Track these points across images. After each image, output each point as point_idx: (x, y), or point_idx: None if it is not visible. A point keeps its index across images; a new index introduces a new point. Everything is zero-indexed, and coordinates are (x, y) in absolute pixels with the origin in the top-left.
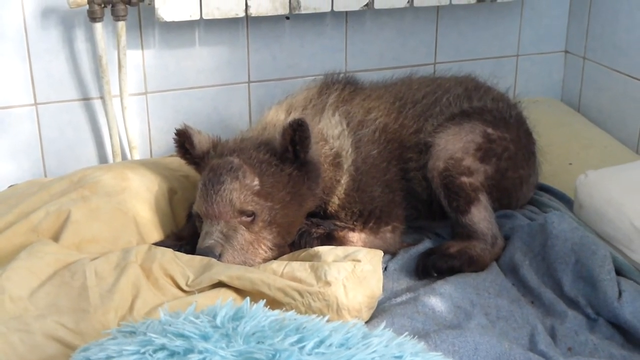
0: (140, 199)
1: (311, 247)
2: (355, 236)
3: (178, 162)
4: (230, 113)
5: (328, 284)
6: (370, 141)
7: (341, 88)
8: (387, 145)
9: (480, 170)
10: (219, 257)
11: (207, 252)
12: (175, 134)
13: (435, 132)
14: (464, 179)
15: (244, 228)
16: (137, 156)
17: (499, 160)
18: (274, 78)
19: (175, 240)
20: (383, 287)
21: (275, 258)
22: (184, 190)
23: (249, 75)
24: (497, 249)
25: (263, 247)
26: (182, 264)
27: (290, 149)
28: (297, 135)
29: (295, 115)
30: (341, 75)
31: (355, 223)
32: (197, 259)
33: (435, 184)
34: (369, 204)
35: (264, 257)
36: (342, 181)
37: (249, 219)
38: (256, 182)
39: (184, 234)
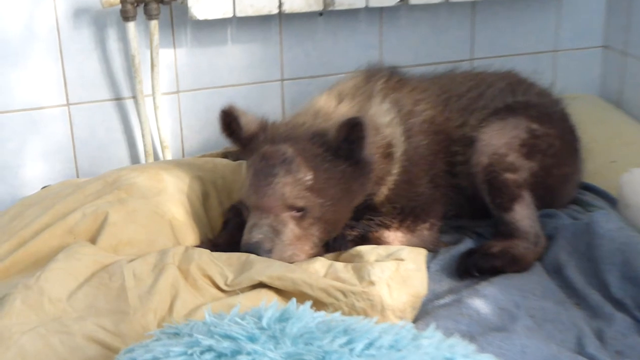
0: (176, 202)
1: (346, 248)
2: (391, 235)
3: (212, 163)
4: (263, 111)
5: (372, 283)
6: (419, 132)
7: (388, 76)
8: (435, 137)
9: (524, 166)
10: (268, 253)
11: (256, 248)
12: (221, 113)
13: (480, 127)
14: (508, 175)
15: (293, 222)
16: (169, 156)
17: (544, 157)
18: (307, 76)
19: (211, 247)
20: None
21: (315, 255)
22: (218, 194)
23: (282, 73)
24: (539, 248)
25: (310, 243)
26: (220, 264)
27: (345, 147)
28: (353, 134)
29: (346, 104)
30: (384, 65)
31: (393, 220)
32: (234, 257)
33: (479, 179)
34: (413, 200)
35: (309, 253)
36: (394, 171)
37: (299, 214)
38: (309, 176)
39: (220, 241)
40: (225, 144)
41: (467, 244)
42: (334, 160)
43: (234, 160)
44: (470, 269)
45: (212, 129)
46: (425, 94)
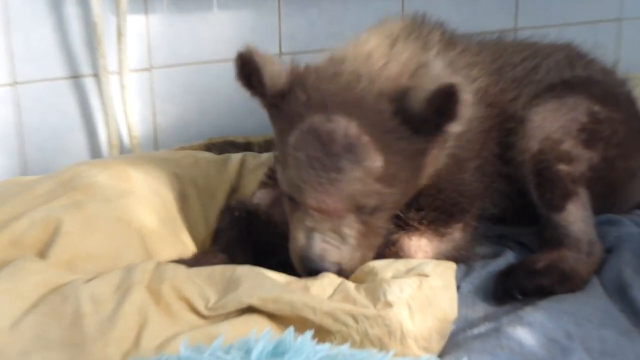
0: (146, 206)
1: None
2: (412, 245)
3: (193, 158)
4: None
5: (389, 305)
6: (475, 102)
7: (442, 29)
8: (488, 110)
9: (582, 157)
10: (336, 267)
11: (320, 260)
12: (237, 60)
13: (531, 105)
14: (562, 166)
15: (360, 222)
16: (139, 149)
17: (607, 146)
18: (311, 50)
19: (195, 264)
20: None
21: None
22: (200, 195)
23: (280, 47)
24: (594, 259)
25: (378, 237)
26: (200, 282)
27: (435, 121)
28: (446, 104)
29: (402, 47)
30: (428, 17)
31: (422, 220)
32: (217, 273)
33: (526, 169)
34: (456, 191)
35: (375, 248)
36: (447, 146)
37: (368, 211)
38: (379, 162)
39: (210, 258)
40: (209, 133)
41: (507, 258)
42: (412, 137)
43: (219, 153)
44: (512, 291)
45: (193, 115)
46: (478, 59)
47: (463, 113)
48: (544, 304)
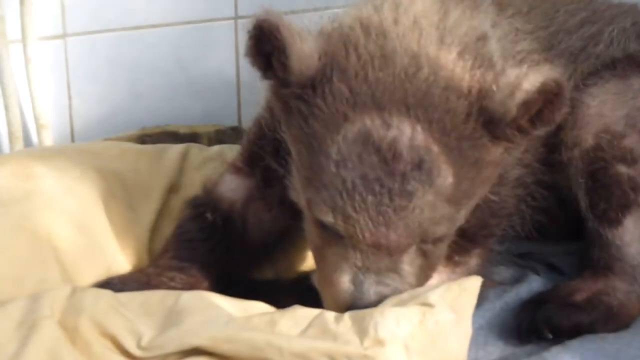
0: (58, 210)
1: None
2: None
3: (118, 149)
4: (204, 68)
5: (380, 343)
6: None
7: None
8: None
9: None
10: None
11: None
12: (254, 32)
13: (586, 85)
14: (623, 168)
15: (420, 253)
16: (49, 140)
17: None
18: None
19: (143, 285)
20: None
21: None
22: (129, 195)
23: (235, 7)
24: None
25: (435, 267)
26: (130, 314)
27: (526, 124)
28: (547, 108)
29: (456, 15)
30: None
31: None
32: (154, 301)
33: (575, 169)
34: (486, 211)
35: (429, 279)
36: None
37: (434, 240)
38: (450, 178)
39: (163, 279)
40: (142, 122)
41: (531, 285)
42: (489, 144)
43: (154, 142)
44: (540, 328)
45: (122, 98)
46: (528, 25)
47: (560, 119)
48: (575, 343)
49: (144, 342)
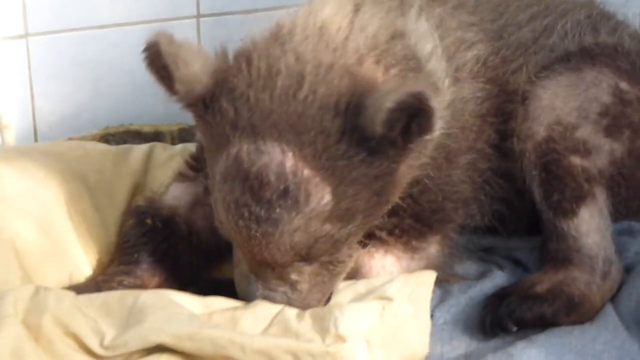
0: (20, 212)
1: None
2: (374, 264)
3: (82, 150)
4: None
5: (341, 338)
6: (471, 76)
7: None
8: (486, 87)
9: (603, 148)
10: None
11: None
12: (145, 54)
13: (538, 78)
14: (576, 159)
15: (310, 265)
16: (12, 140)
17: (634, 136)
18: (238, 10)
19: (95, 291)
20: (429, 347)
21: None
22: (93, 197)
23: (197, 6)
24: (609, 282)
25: (339, 267)
26: (93, 313)
27: (399, 142)
28: (414, 122)
29: (369, 16)
30: None
31: (393, 231)
32: (114, 301)
33: (528, 161)
34: (441, 192)
35: (341, 279)
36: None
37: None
38: (327, 197)
39: (113, 285)
40: (106, 121)
41: (495, 280)
42: (368, 159)
43: (117, 142)
44: (504, 321)
45: (85, 97)
46: (475, 17)
47: (434, 126)
48: (541, 338)
49: (106, 341)
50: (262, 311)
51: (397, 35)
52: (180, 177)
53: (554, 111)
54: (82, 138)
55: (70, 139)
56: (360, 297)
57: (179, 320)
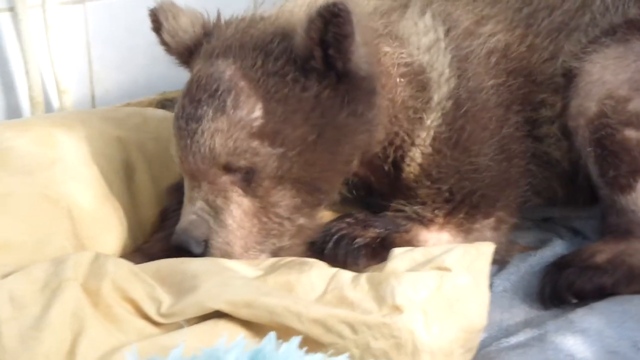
0: (79, 180)
1: (356, 264)
2: (431, 237)
3: (141, 117)
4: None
5: (398, 309)
6: (483, 66)
7: None
8: (508, 80)
9: None
10: (201, 247)
11: (185, 239)
12: (149, 16)
13: (584, 54)
14: (630, 132)
15: (240, 192)
16: (70, 105)
17: None
18: None
19: (140, 257)
20: (488, 315)
21: (302, 239)
22: (150, 165)
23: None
24: None
25: (275, 218)
26: (150, 280)
27: (319, 54)
28: (330, 30)
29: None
30: None
31: (437, 211)
32: (169, 269)
33: (582, 138)
34: (469, 178)
35: (282, 237)
36: (429, 120)
37: (244, 175)
38: (257, 112)
39: (155, 249)
40: (163, 86)
41: (554, 249)
42: (301, 79)
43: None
44: (562, 292)
45: (142, 62)
46: (494, 8)
47: (349, 35)
48: (602, 305)
49: (163, 309)
50: (317, 275)
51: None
52: None
53: (604, 85)
54: (139, 103)
55: (127, 104)
56: (417, 266)
57: (235, 286)
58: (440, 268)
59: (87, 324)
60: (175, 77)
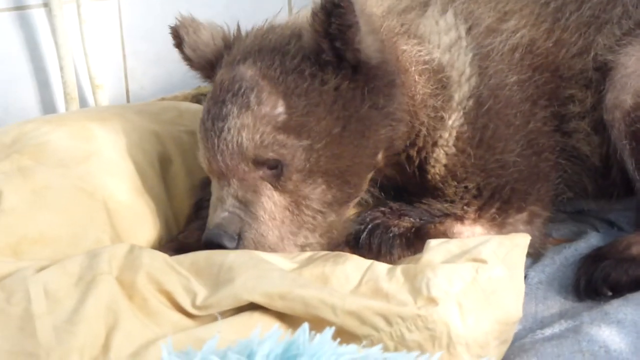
0: (115, 173)
1: (390, 253)
2: (465, 230)
3: (176, 111)
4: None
5: (433, 301)
6: (505, 63)
7: None
8: (534, 75)
9: None
10: (235, 242)
11: (218, 237)
12: (170, 32)
13: (619, 46)
14: None
15: (269, 186)
16: (105, 100)
17: None
18: None
19: (175, 248)
20: (523, 307)
21: (330, 239)
22: (185, 159)
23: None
24: None
25: (308, 212)
26: (185, 272)
27: (327, 47)
28: (334, 22)
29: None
30: None
31: (466, 207)
32: (205, 261)
33: (617, 131)
34: (497, 175)
35: (314, 232)
36: (451, 120)
37: (273, 171)
38: (280, 108)
39: (191, 239)
40: (198, 81)
41: (590, 241)
42: (319, 73)
43: None
44: (598, 284)
45: (177, 55)
46: (519, 4)
47: (353, 24)
48: (637, 296)
49: (198, 301)
50: (352, 267)
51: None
52: None
53: None
54: (174, 98)
55: (162, 99)
56: (453, 258)
57: (271, 278)
58: (475, 260)
59: (121, 317)
60: None
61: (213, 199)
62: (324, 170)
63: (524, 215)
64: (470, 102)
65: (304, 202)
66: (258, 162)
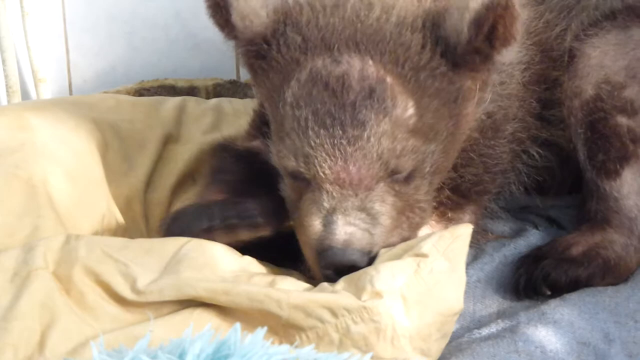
0: (52, 159)
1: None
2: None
3: (114, 101)
4: (203, 21)
5: (378, 295)
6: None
7: None
8: (529, 54)
9: None
10: (369, 256)
11: (349, 253)
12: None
13: (586, 36)
14: (622, 119)
15: (392, 192)
16: (48, 94)
17: None
18: None
19: (204, 209)
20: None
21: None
22: (123, 144)
23: None
24: None
25: (419, 216)
26: (123, 259)
27: (482, 46)
28: (500, 23)
29: None
30: None
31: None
32: (152, 244)
33: (574, 119)
34: (480, 166)
35: (417, 231)
36: (485, 100)
37: (400, 177)
38: (411, 110)
39: (213, 197)
40: (141, 75)
41: (529, 239)
42: (453, 71)
43: (152, 96)
44: (537, 284)
45: (120, 51)
46: None
47: (517, 35)
48: (574, 297)
49: (140, 285)
50: (297, 277)
51: None
52: (246, 133)
53: (603, 69)
54: (117, 92)
55: (105, 92)
56: (394, 254)
57: (216, 274)
58: (417, 255)
59: (58, 313)
60: (153, 66)
61: (322, 207)
62: (435, 171)
63: (472, 208)
64: (497, 79)
65: (416, 204)
66: (396, 172)
